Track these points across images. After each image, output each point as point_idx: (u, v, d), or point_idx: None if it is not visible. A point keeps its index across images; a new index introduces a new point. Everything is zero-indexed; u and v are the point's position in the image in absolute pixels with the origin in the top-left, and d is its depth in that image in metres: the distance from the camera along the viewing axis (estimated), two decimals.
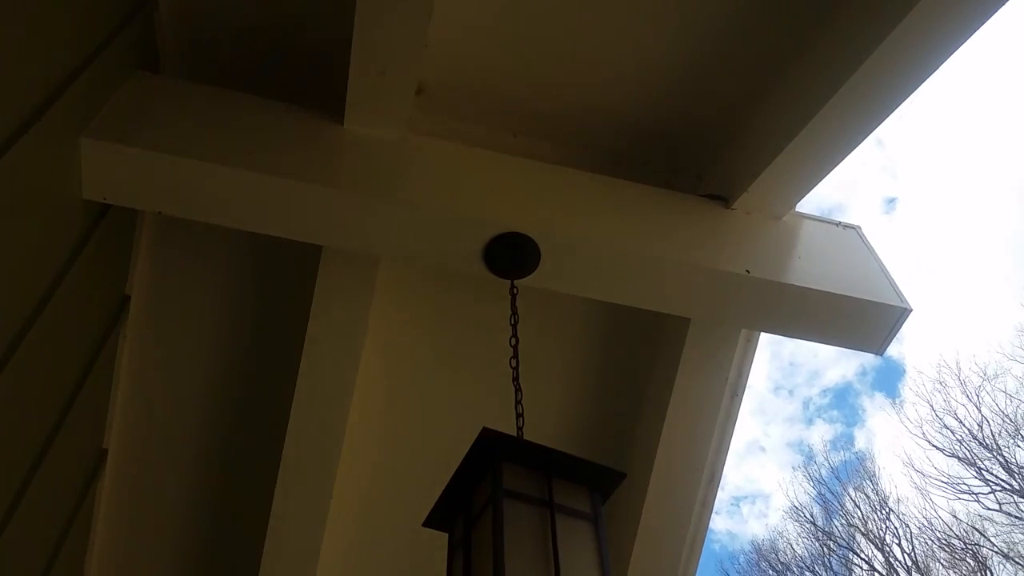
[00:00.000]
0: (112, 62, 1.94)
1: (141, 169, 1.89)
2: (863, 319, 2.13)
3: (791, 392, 32.22)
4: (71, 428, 2.07)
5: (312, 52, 2.25)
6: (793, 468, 31.89)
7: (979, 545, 18.12)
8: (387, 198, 1.97)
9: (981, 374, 22.38)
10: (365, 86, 1.97)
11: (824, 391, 32.55)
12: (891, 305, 2.11)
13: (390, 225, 2.00)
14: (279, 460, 2.35)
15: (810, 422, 32.96)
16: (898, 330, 2.13)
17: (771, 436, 30.24)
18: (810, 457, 32.31)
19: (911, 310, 2.11)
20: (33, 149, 1.61)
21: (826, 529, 20.93)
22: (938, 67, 1.86)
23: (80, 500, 2.33)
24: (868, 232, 2.43)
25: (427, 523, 1.52)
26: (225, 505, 2.65)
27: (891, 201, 32.87)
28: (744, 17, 2.09)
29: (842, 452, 33.14)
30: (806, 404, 32.64)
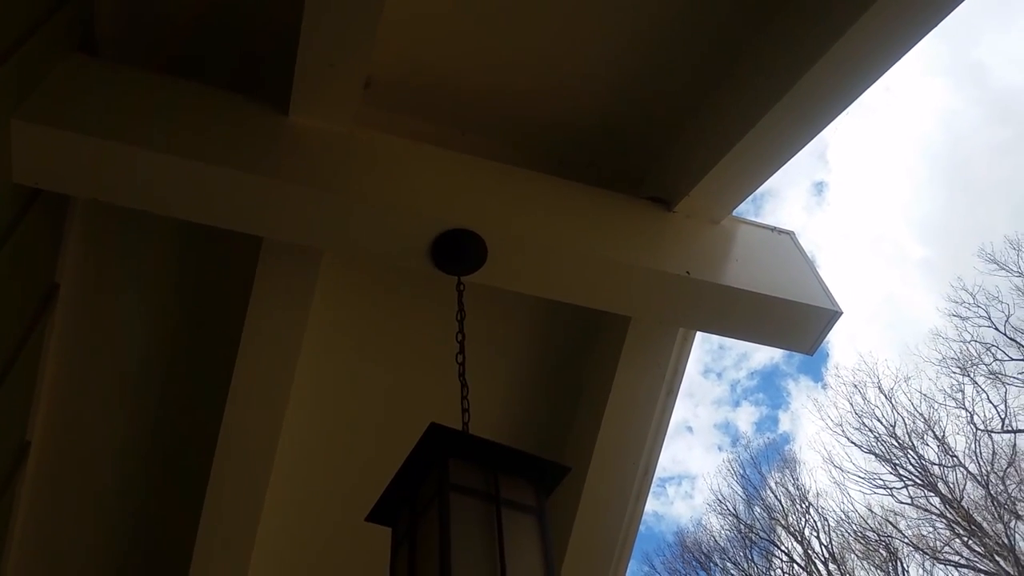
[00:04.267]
0: (46, 43, 1.87)
1: (73, 153, 1.82)
2: (796, 321, 2.21)
3: (719, 375, 32.99)
4: None
5: (257, 41, 2.21)
6: (720, 449, 32.69)
7: (891, 537, 18.97)
8: (332, 190, 1.95)
9: (896, 376, 23.42)
10: (312, 77, 1.94)
11: (751, 373, 33.43)
12: (822, 308, 2.19)
13: (334, 218, 1.98)
14: (212, 455, 2.30)
15: (737, 404, 33.93)
16: (828, 331, 2.22)
17: (699, 417, 30.94)
18: (736, 439, 33.27)
19: (841, 313, 2.20)
20: None
21: (748, 521, 21.56)
22: (879, 76, 1.90)
23: (1, 492, 2.24)
24: (797, 225, 2.53)
25: (370, 517, 1.51)
26: (155, 500, 2.58)
27: (820, 185, 33.98)
28: (687, 24, 2.14)
29: (767, 434, 34.11)
30: (733, 386, 33.54)
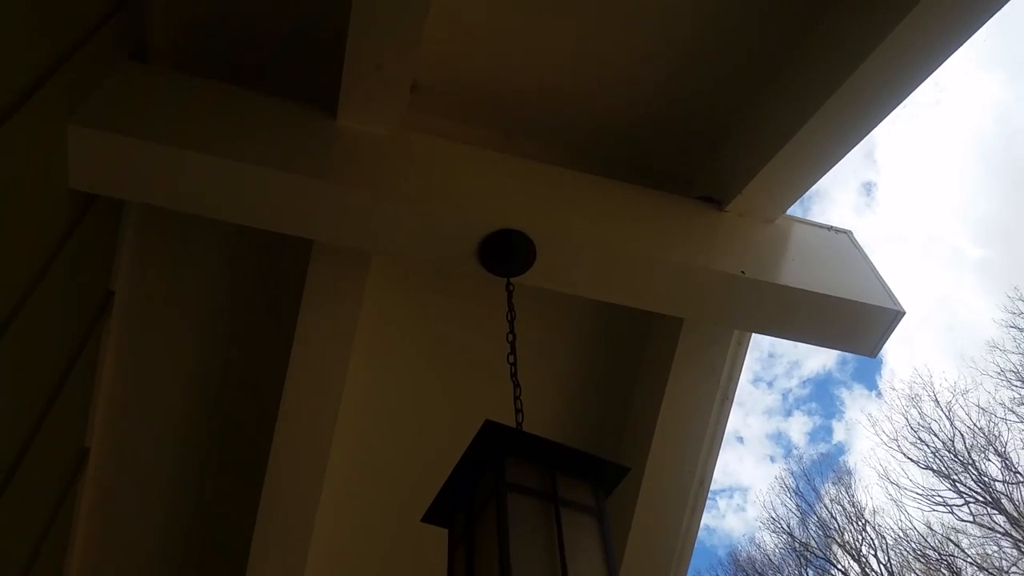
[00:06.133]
0: (100, 50, 1.90)
1: (129, 158, 1.84)
2: (856, 321, 2.13)
3: (770, 384, 32.25)
4: (52, 426, 2.02)
5: (305, 46, 2.22)
6: (772, 460, 31.88)
7: (953, 556, 18.31)
8: (381, 192, 1.95)
9: (953, 389, 22.69)
10: (360, 81, 1.95)
11: (803, 382, 32.62)
12: (884, 307, 2.11)
13: (383, 220, 1.97)
14: (266, 460, 2.30)
15: (789, 414, 33.09)
16: (891, 332, 2.14)
17: (750, 427, 30.25)
18: (788, 450, 32.39)
19: (904, 312, 2.11)
20: (18, 136, 1.56)
21: (802, 539, 21.03)
22: (932, 72, 1.86)
23: (61, 499, 2.27)
24: (846, 227, 2.45)
25: (426, 518, 1.49)
26: (211, 506, 2.60)
27: (868, 185, 33.18)
28: (736, 22, 2.09)
29: (820, 445, 33.17)
30: (785, 396, 32.70)
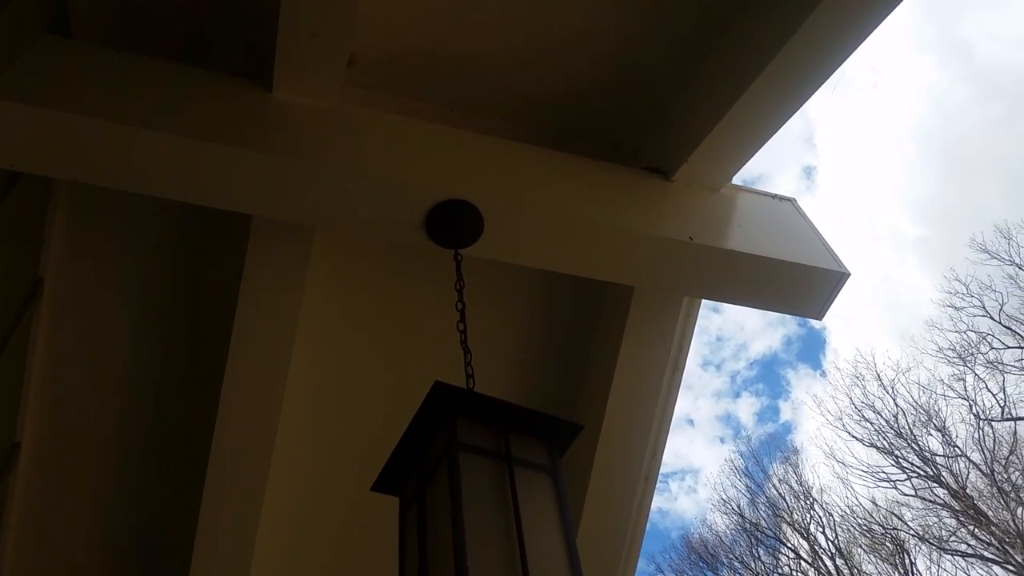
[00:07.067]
0: (17, 23, 1.80)
1: (53, 132, 1.75)
2: (803, 284, 2.15)
3: (718, 367, 32.81)
4: None
5: (236, 21, 2.15)
6: (722, 441, 32.48)
7: (897, 529, 18.89)
8: (321, 163, 1.89)
9: (895, 367, 23.41)
10: (295, 48, 1.88)
11: (751, 364, 33.29)
12: (830, 270, 2.14)
13: (324, 192, 1.91)
14: (209, 449, 2.22)
15: (737, 395, 33.79)
16: (837, 294, 2.16)
17: (700, 410, 30.73)
18: (737, 431, 33.05)
19: (849, 274, 2.14)
20: None
21: (752, 519, 21.46)
22: (865, 37, 1.90)
23: None
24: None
25: (376, 487, 1.44)
26: (152, 497, 2.50)
27: (809, 169, 33.98)
28: None
29: (768, 425, 33.94)
30: (733, 377, 33.38)
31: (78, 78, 1.86)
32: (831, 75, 1.99)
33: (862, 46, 1.92)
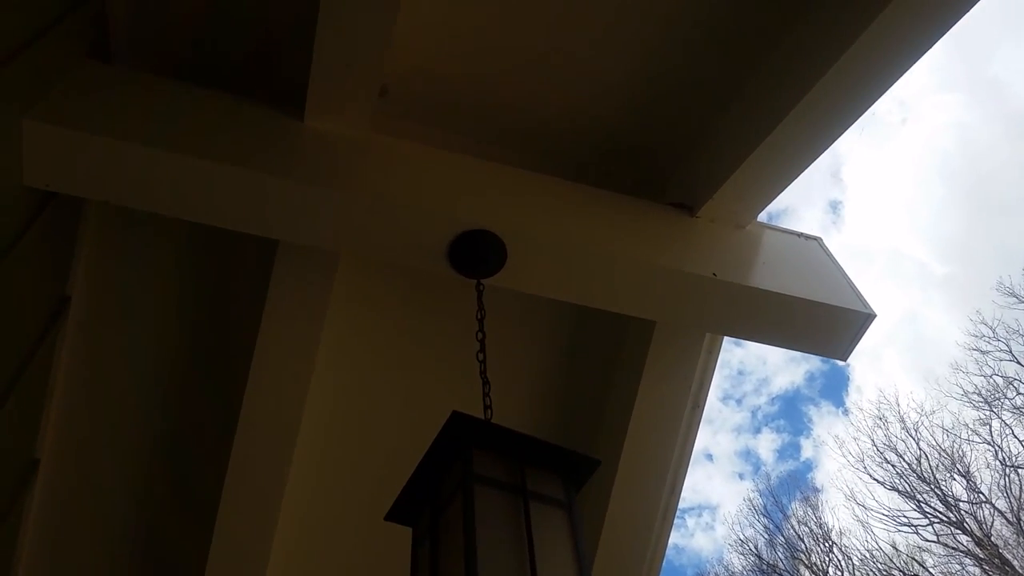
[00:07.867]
0: (57, 47, 1.85)
1: (87, 155, 1.79)
2: (827, 324, 2.13)
3: (739, 401, 32.34)
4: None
5: (273, 48, 2.19)
6: (741, 477, 31.93)
7: (918, 575, 18.43)
8: (348, 191, 1.91)
9: (919, 410, 23.03)
10: (328, 78, 1.92)
11: (772, 399, 32.77)
12: (855, 310, 2.11)
13: (350, 219, 1.93)
14: (226, 470, 2.22)
15: (757, 431, 33.22)
16: (862, 335, 2.14)
17: (720, 444, 30.24)
18: (757, 467, 32.46)
19: (875, 315, 2.12)
20: None
21: (770, 561, 21.04)
22: (893, 83, 1.90)
23: (6, 514, 2.17)
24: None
25: (390, 516, 1.43)
26: (168, 516, 2.50)
27: (835, 204, 33.73)
28: (705, 32, 2.11)
29: (788, 461, 33.33)
30: (754, 413, 32.83)
31: (116, 103, 1.90)
32: (860, 116, 1.99)
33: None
